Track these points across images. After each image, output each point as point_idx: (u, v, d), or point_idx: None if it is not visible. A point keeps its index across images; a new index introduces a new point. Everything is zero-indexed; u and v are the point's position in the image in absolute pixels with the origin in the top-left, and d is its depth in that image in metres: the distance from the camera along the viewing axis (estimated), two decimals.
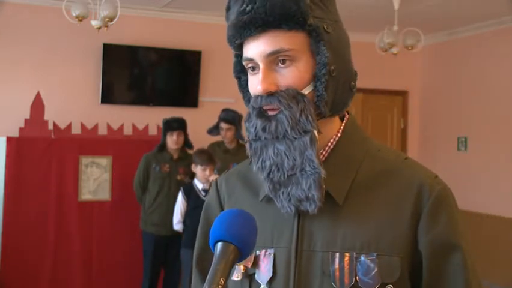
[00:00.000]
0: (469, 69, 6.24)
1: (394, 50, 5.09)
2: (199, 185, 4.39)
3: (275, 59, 0.98)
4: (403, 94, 7.02)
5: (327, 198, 0.99)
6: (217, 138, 5.11)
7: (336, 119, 1.07)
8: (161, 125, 5.15)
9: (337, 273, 0.97)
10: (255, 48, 1.00)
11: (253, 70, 1.03)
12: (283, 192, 1.00)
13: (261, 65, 0.99)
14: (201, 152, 4.63)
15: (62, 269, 4.87)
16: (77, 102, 5.50)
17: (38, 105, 4.91)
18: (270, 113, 0.99)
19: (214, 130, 5.04)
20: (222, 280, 0.82)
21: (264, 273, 1.04)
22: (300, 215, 1.02)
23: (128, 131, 5.23)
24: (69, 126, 4.98)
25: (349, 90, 1.04)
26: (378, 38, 5.10)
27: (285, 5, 0.96)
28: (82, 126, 5.05)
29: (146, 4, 5.55)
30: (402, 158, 1.05)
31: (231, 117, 4.94)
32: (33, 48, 5.37)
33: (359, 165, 1.03)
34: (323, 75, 0.97)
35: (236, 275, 1.07)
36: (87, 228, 4.93)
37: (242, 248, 0.87)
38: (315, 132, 0.97)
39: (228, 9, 1.05)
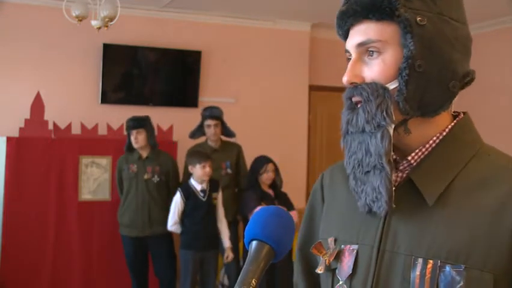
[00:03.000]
0: None
1: None
2: (197, 185, 4.36)
3: (365, 50, 0.96)
4: None
5: (418, 197, 0.94)
6: (199, 140, 5.03)
7: (444, 118, 1.00)
8: (160, 125, 5.16)
9: (417, 281, 0.90)
10: (350, 40, 0.99)
11: None
12: (362, 190, 0.98)
13: (353, 56, 0.98)
14: (195, 151, 4.62)
15: (62, 269, 4.86)
16: (77, 102, 5.50)
17: (38, 105, 4.90)
18: (359, 105, 0.97)
19: (197, 132, 4.97)
20: (253, 281, 0.79)
21: (344, 269, 1.01)
22: (388, 213, 0.97)
23: None
24: (69, 126, 4.98)
25: (446, 90, 0.96)
26: None
27: None
28: (82, 126, 5.05)
29: (146, 4, 5.54)
30: None
31: (217, 113, 4.91)
32: (33, 48, 5.37)
33: (461, 168, 0.95)
34: (404, 68, 0.92)
35: (320, 268, 1.06)
36: (87, 228, 4.93)
37: (277, 248, 0.84)
38: (389, 128, 0.93)
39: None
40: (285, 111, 6.19)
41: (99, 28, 4.32)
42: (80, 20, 4.28)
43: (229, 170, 4.97)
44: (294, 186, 5.70)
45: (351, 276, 1.00)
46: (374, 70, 0.95)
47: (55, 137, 4.92)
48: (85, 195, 4.97)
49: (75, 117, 5.17)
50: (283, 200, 4.67)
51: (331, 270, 1.04)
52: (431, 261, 0.90)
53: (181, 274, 4.42)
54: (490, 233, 0.88)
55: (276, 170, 4.73)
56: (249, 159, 5.01)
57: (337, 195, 1.11)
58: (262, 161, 4.70)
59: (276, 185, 4.73)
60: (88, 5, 4.30)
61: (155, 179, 4.69)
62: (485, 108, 6.02)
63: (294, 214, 4.57)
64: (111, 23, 4.27)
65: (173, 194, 4.46)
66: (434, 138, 0.98)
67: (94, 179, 4.99)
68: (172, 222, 4.37)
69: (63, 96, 5.43)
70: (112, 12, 4.20)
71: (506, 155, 0.99)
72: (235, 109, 5.80)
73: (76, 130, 5.03)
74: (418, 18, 0.93)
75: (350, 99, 0.98)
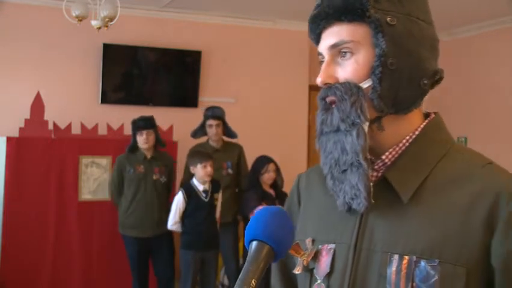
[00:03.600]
0: (469, 69, 6.24)
1: None
2: (199, 186, 4.36)
3: (338, 52, 0.99)
4: None
5: (393, 195, 0.97)
6: (200, 140, 5.04)
7: (415, 117, 1.03)
8: (160, 125, 5.16)
9: (393, 276, 0.93)
10: (322, 41, 1.02)
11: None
12: (340, 189, 0.99)
13: (326, 57, 1.01)
14: (196, 151, 4.62)
15: (62, 269, 4.86)
16: (77, 102, 5.50)
17: (38, 105, 4.90)
18: (333, 105, 0.99)
19: (199, 131, 4.98)
20: (253, 282, 0.79)
21: (322, 268, 1.03)
22: (366, 210, 0.98)
23: (128, 131, 5.21)
24: (69, 126, 4.98)
25: (417, 87, 0.99)
26: None
27: None
28: (82, 126, 5.05)
29: (146, 4, 5.55)
30: (484, 163, 0.98)
31: (219, 113, 4.91)
32: (33, 48, 5.37)
33: (433, 166, 0.98)
34: (377, 67, 0.95)
35: (297, 268, 1.07)
36: (87, 228, 4.92)
37: (277, 248, 0.84)
38: (364, 126, 0.95)
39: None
40: (285, 111, 6.19)
41: (99, 28, 4.32)
42: (80, 20, 4.28)
43: (230, 170, 4.97)
44: None
45: (328, 275, 1.01)
46: (347, 70, 0.98)
47: (55, 137, 4.92)
48: (85, 195, 4.96)
49: (75, 117, 5.17)
50: (284, 200, 4.67)
51: (309, 270, 1.05)
52: (406, 257, 0.93)
53: (182, 274, 4.42)
54: (462, 229, 0.91)
55: (277, 170, 4.73)
56: (248, 159, 5.01)
57: (314, 196, 1.13)
58: (263, 161, 4.70)
59: (277, 185, 4.72)
60: (88, 5, 4.30)
61: (163, 179, 4.71)
62: (485, 108, 6.02)
63: None
64: (111, 23, 4.27)
65: (173, 193, 4.46)
66: (407, 137, 1.01)
67: (94, 179, 4.99)
68: (173, 221, 4.37)
69: (63, 96, 5.43)
70: (112, 12, 4.20)
71: (477, 153, 1.02)
72: (235, 109, 5.80)
73: (76, 130, 5.02)
74: (388, 19, 0.96)
75: (324, 99, 1.00)
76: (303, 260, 1.06)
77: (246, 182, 4.89)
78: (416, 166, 0.98)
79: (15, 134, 4.86)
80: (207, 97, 5.91)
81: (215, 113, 4.89)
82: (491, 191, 0.92)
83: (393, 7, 0.98)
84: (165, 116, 5.49)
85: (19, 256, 4.75)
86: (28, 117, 4.88)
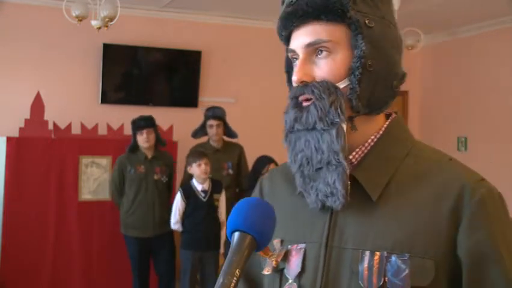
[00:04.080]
0: (469, 69, 6.24)
1: None
2: (198, 186, 4.37)
3: (314, 50, 0.99)
4: (403, 94, 7.02)
5: (362, 194, 0.98)
6: (200, 140, 5.05)
7: (380, 118, 1.05)
8: (161, 125, 5.16)
9: (365, 272, 0.94)
10: (296, 39, 1.02)
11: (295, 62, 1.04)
12: (312, 187, 1.00)
13: (300, 55, 1.01)
14: (191, 151, 4.64)
15: (62, 269, 4.86)
16: (77, 102, 5.50)
17: (38, 105, 4.90)
18: (305, 103, 1.00)
19: (200, 132, 4.99)
20: (237, 271, 0.81)
21: (292, 268, 1.03)
22: (333, 210, 1.00)
23: (128, 131, 5.21)
24: (69, 126, 4.98)
25: (390, 88, 1.01)
26: None
27: None
28: (82, 126, 5.05)
29: (146, 4, 5.55)
30: (446, 159, 1.02)
31: (219, 113, 4.92)
32: (33, 48, 5.37)
33: (399, 164, 1.00)
34: (357, 68, 0.96)
35: (266, 269, 1.07)
36: (87, 228, 4.93)
37: (259, 238, 0.86)
38: (343, 125, 0.96)
39: (282, 2, 1.07)
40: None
41: (99, 28, 4.32)
42: (80, 20, 4.29)
43: (230, 171, 4.97)
44: None
45: (300, 275, 1.02)
46: (324, 69, 0.99)
47: (55, 137, 4.92)
48: (85, 195, 4.96)
49: (75, 117, 5.17)
50: None
51: (279, 270, 1.05)
52: (378, 253, 0.94)
53: (181, 273, 4.44)
54: (429, 223, 0.94)
55: None
56: (249, 159, 5.01)
57: (279, 197, 1.12)
58: (264, 161, 4.69)
59: None
60: (88, 5, 4.30)
61: (164, 179, 4.71)
62: (485, 108, 6.02)
63: None
64: (111, 23, 4.27)
65: (174, 193, 4.48)
66: (372, 137, 1.02)
67: (94, 179, 4.99)
68: (174, 221, 4.42)
69: (63, 96, 5.43)
70: (112, 12, 4.20)
71: (438, 150, 1.05)
72: (235, 109, 5.79)
73: (76, 130, 5.02)
74: (366, 21, 0.98)
75: (297, 97, 1.01)
76: (273, 261, 1.06)
77: (246, 182, 4.89)
78: (382, 165, 1.00)
79: (15, 134, 4.86)
80: (207, 97, 5.91)
81: (216, 113, 4.90)
82: (454, 185, 0.94)
83: (370, 10, 0.99)
84: (165, 116, 5.48)
85: (19, 256, 4.75)
86: (28, 117, 4.88)
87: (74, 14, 4.26)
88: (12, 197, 4.73)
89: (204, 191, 4.36)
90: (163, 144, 4.84)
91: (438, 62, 6.79)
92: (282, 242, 1.07)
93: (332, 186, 0.96)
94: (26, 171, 4.78)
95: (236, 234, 0.85)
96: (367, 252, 0.95)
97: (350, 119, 0.99)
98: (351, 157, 1.01)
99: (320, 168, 0.98)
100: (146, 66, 5.76)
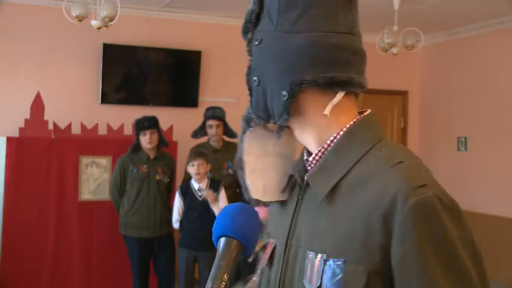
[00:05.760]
0: (469, 69, 6.24)
1: (394, 50, 5.10)
2: (195, 185, 4.39)
3: None
4: (403, 94, 7.02)
5: (315, 196, 1.01)
6: (200, 140, 5.05)
7: (340, 119, 1.04)
8: (161, 125, 5.16)
9: (308, 273, 0.97)
10: None
11: None
12: None
13: None
14: (190, 151, 4.65)
15: (62, 269, 4.87)
16: (77, 102, 5.50)
17: (38, 105, 4.90)
18: None
19: (200, 132, 4.99)
20: (225, 276, 0.82)
21: (262, 261, 1.09)
22: (296, 208, 1.05)
23: (128, 131, 5.22)
24: (69, 126, 4.98)
25: (280, 98, 1.03)
26: (379, 38, 5.10)
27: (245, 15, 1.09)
28: (82, 126, 5.05)
29: (146, 4, 5.55)
30: (394, 162, 0.96)
31: (219, 114, 4.92)
32: (34, 48, 5.37)
33: (349, 167, 0.99)
34: (247, 82, 1.09)
35: (251, 257, 1.12)
36: (87, 229, 4.93)
37: (245, 242, 0.87)
38: (243, 136, 1.12)
39: None
40: None
41: (99, 28, 4.32)
42: (80, 20, 4.28)
43: (230, 171, 4.97)
44: None
45: (269, 268, 1.08)
46: None
47: (55, 137, 4.92)
48: (85, 195, 4.96)
49: (75, 117, 5.17)
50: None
51: (258, 261, 1.13)
52: (319, 255, 0.97)
53: (179, 271, 4.49)
54: (364, 230, 0.93)
55: None
56: None
57: None
58: None
59: None
60: (88, 5, 4.30)
61: (166, 179, 4.72)
62: (485, 108, 6.02)
63: None
64: (111, 23, 4.27)
65: (173, 194, 4.50)
66: (332, 138, 1.04)
67: (94, 179, 4.99)
68: (174, 219, 4.47)
69: (63, 96, 5.43)
70: (112, 12, 4.20)
71: (396, 152, 1.01)
72: (236, 109, 5.78)
73: (76, 130, 5.02)
74: (255, 37, 1.07)
75: None
76: (258, 251, 1.13)
77: None
78: (333, 167, 1.01)
79: (15, 134, 4.86)
80: (207, 97, 5.91)
81: (215, 114, 4.90)
82: (389, 192, 0.91)
83: (264, 24, 1.06)
84: (165, 116, 5.48)
85: (19, 256, 4.75)
86: (28, 117, 4.88)
87: (74, 14, 4.25)
88: (12, 197, 4.73)
89: (201, 190, 4.37)
90: (166, 145, 4.85)
91: (438, 62, 6.79)
92: (268, 234, 1.14)
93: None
94: (26, 171, 4.78)
95: (222, 240, 0.87)
96: (312, 253, 0.98)
97: (280, 128, 1.09)
98: (311, 158, 1.05)
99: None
100: (146, 66, 5.76)
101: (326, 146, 1.04)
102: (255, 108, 1.07)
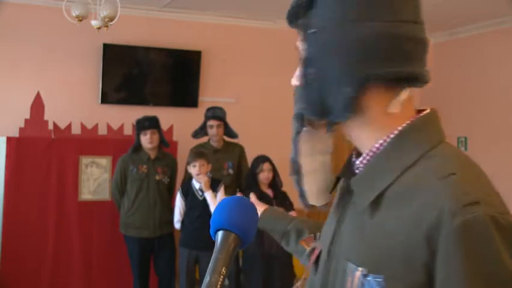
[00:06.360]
0: (469, 69, 6.24)
1: None
2: (196, 184, 4.40)
3: None
4: None
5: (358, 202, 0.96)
6: (201, 140, 5.06)
7: (394, 119, 0.95)
8: (161, 125, 5.16)
9: (349, 285, 0.92)
10: None
11: None
12: None
13: None
14: (191, 151, 4.65)
15: (62, 269, 4.86)
16: (77, 102, 5.50)
17: (38, 105, 4.90)
18: None
19: (200, 132, 5.00)
20: (223, 270, 0.81)
21: (308, 266, 1.08)
22: (341, 213, 1.01)
23: (128, 131, 5.22)
24: (69, 126, 4.98)
25: (342, 95, 0.94)
26: None
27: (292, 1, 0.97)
28: (82, 126, 5.05)
29: (146, 4, 5.54)
30: (445, 174, 0.87)
31: (220, 114, 4.92)
32: (33, 48, 5.37)
33: (398, 175, 0.91)
34: (301, 76, 0.98)
35: (302, 260, 1.16)
36: (87, 229, 4.92)
37: (243, 235, 0.86)
38: (298, 134, 1.02)
39: None
40: (285, 111, 6.16)
41: (99, 28, 4.32)
42: (80, 20, 4.28)
43: (231, 171, 4.98)
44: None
45: (314, 272, 1.05)
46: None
47: (55, 137, 4.92)
48: (85, 195, 4.96)
49: (75, 117, 5.17)
50: (283, 200, 4.63)
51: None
52: (360, 268, 0.91)
53: (180, 271, 4.50)
54: (407, 246, 0.85)
55: (275, 170, 4.69)
56: (249, 159, 5.01)
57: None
58: (258, 160, 4.69)
59: (276, 184, 4.68)
60: (88, 5, 4.30)
61: (166, 179, 4.72)
62: (485, 108, 6.02)
63: (293, 214, 4.57)
64: (111, 23, 4.27)
65: (175, 195, 4.51)
66: (381, 141, 0.95)
67: (94, 179, 4.99)
68: (176, 219, 4.48)
69: (63, 96, 5.43)
70: (112, 12, 4.20)
71: (450, 161, 0.92)
72: (236, 109, 5.79)
73: (76, 130, 5.02)
74: (311, 26, 0.96)
75: None
76: (307, 254, 1.12)
77: (244, 182, 4.90)
78: (379, 174, 0.93)
79: (15, 134, 4.86)
80: (207, 97, 5.91)
81: (216, 114, 4.90)
82: (435, 208, 0.83)
83: (319, 12, 0.95)
84: (165, 116, 5.48)
85: (19, 256, 4.75)
86: (28, 117, 4.88)
87: (74, 14, 4.25)
88: (12, 197, 4.73)
89: (202, 190, 4.38)
90: (167, 145, 4.85)
91: (438, 62, 6.79)
92: (319, 237, 1.13)
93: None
94: (26, 171, 4.78)
95: (220, 233, 0.86)
96: (353, 266, 0.92)
97: (330, 125, 1.00)
98: (358, 162, 0.98)
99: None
100: (146, 66, 5.76)
101: (374, 149, 0.96)
102: (308, 104, 0.96)
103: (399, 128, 0.95)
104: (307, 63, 0.95)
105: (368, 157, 0.97)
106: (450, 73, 6.56)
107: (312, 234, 1.15)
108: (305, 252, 1.12)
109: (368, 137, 0.97)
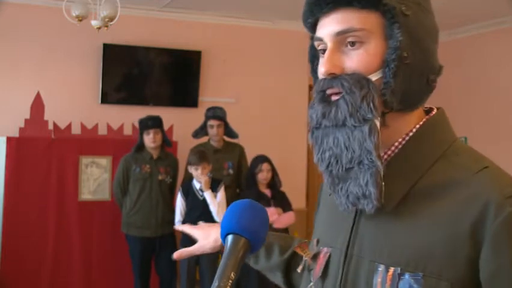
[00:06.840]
0: (469, 69, 6.24)
1: None
2: (196, 184, 4.40)
3: (344, 39, 0.91)
4: None
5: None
6: (200, 140, 5.07)
7: (414, 115, 0.95)
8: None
9: (379, 287, 0.89)
10: (325, 27, 0.93)
11: (323, 53, 0.94)
12: (341, 188, 0.92)
13: (329, 45, 0.92)
14: (193, 151, 4.64)
15: (62, 269, 4.86)
16: (77, 102, 5.50)
17: (38, 105, 4.90)
18: (333, 98, 0.91)
19: (200, 132, 5.00)
20: (232, 274, 0.80)
21: (316, 271, 1.01)
22: (356, 216, 0.95)
23: (128, 131, 5.22)
24: (69, 126, 4.98)
25: (426, 84, 0.92)
26: None
27: None
28: (82, 126, 5.05)
29: (146, 4, 5.54)
30: (480, 167, 0.88)
31: (220, 114, 4.93)
32: (33, 48, 5.37)
33: (425, 170, 0.90)
34: (393, 60, 0.88)
35: (300, 267, 1.07)
36: (87, 228, 4.92)
37: (253, 240, 0.85)
38: (376, 121, 0.88)
39: None
40: (285, 111, 6.19)
41: (99, 28, 4.32)
42: (80, 20, 4.28)
43: (231, 171, 4.98)
44: (294, 187, 5.70)
45: (323, 279, 0.99)
46: (355, 60, 0.90)
47: (55, 137, 4.92)
48: (85, 195, 4.96)
49: (75, 117, 5.17)
50: (281, 200, 4.63)
51: (309, 270, 1.04)
52: (392, 268, 0.88)
53: (180, 271, 4.50)
54: (448, 241, 0.84)
55: (273, 170, 4.69)
56: (249, 159, 5.01)
57: (326, 197, 1.11)
58: (257, 160, 4.69)
59: (274, 185, 4.68)
60: (88, 5, 4.30)
61: (168, 179, 4.72)
62: (485, 108, 6.02)
63: (291, 215, 4.57)
64: (111, 23, 4.27)
65: (175, 194, 4.51)
66: (404, 136, 0.94)
67: (94, 179, 4.99)
68: (176, 220, 4.47)
69: (63, 96, 5.43)
70: (112, 12, 4.20)
71: (476, 155, 0.93)
72: (235, 109, 5.79)
73: (76, 130, 5.02)
74: (403, 8, 0.89)
75: (324, 91, 0.93)
76: (307, 260, 1.05)
77: (243, 182, 4.90)
78: (405, 171, 0.91)
79: (15, 134, 4.86)
80: (207, 97, 5.91)
81: (216, 114, 4.91)
82: (479, 200, 0.83)
83: None
84: (165, 116, 5.47)
85: (19, 256, 4.75)
86: (28, 117, 4.88)
87: (74, 14, 4.25)
88: (12, 197, 4.73)
89: (201, 190, 4.38)
90: (170, 145, 4.86)
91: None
92: (318, 241, 1.05)
93: (365, 187, 0.89)
94: (26, 171, 4.78)
95: (230, 237, 0.84)
96: (382, 266, 0.89)
97: (382, 115, 0.90)
98: None
99: (351, 168, 0.90)
100: (146, 66, 5.76)
101: (397, 144, 0.94)
102: (397, 89, 0.89)
103: (419, 124, 0.95)
104: (401, 46, 0.88)
105: (390, 152, 0.94)
106: (450, 73, 6.54)
107: (306, 240, 1.10)
108: (303, 259, 1.06)
109: (394, 132, 0.94)
